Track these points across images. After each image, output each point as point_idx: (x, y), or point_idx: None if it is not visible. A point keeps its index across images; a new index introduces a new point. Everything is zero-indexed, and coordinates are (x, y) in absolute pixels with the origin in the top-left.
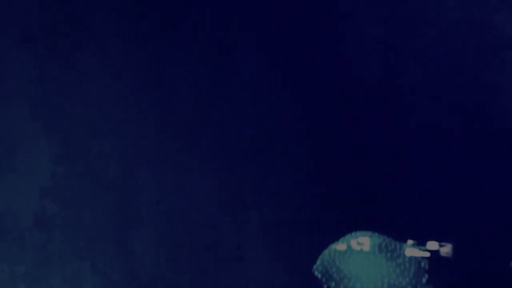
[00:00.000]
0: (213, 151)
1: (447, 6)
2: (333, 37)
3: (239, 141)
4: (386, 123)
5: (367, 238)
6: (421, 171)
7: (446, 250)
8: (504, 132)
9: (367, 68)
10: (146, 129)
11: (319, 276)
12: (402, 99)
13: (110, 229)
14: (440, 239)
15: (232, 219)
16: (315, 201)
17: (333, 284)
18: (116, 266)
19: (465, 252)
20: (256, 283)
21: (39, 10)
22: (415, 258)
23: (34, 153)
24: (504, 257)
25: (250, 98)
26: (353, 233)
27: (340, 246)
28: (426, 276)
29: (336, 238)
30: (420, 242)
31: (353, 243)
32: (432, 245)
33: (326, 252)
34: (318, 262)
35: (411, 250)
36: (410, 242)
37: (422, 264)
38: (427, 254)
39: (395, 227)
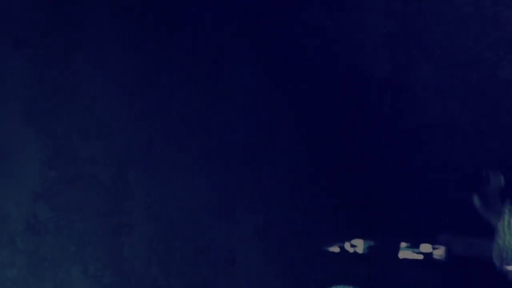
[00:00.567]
0: (205, 155)
1: (458, 2)
2: (340, 32)
3: (230, 145)
4: (391, 123)
5: None
6: (431, 170)
7: (440, 252)
8: None
9: (374, 65)
10: (138, 133)
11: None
12: (411, 96)
13: (102, 233)
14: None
15: (223, 223)
16: (307, 205)
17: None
18: (108, 270)
19: (465, 252)
20: (247, 287)
21: (33, 13)
22: None
23: (26, 157)
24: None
25: (241, 102)
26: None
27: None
28: None
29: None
30: (415, 244)
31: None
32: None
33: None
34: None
35: None
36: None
37: None
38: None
39: (391, 231)
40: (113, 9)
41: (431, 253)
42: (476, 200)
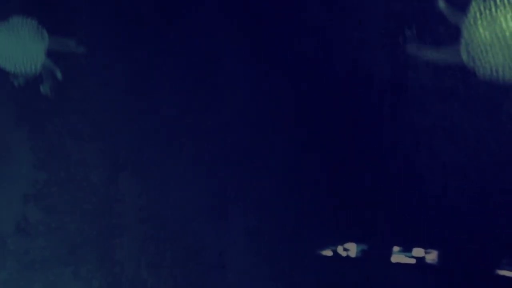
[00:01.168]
0: (196, 158)
1: (459, 1)
2: (339, 32)
3: (222, 148)
4: (390, 123)
5: None
6: (431, 172)
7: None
8: None
9: (373, 65)
10: (129, 136)
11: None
12: (411, 97)
13: (93, 236)
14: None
15: (214, 226)
16: (299, 207)
17: None
18: (98, 272)
19: (465, 253)
20: None
21: (25, 15)
22: None
23: (17, 159)
24: (505, 257)
25: (234, 104)
26: None
27: None
28: None
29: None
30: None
31: None
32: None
33: None
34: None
35: None
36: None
37: None
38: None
39: (386, 233)
40: (108, 13)
41: (427, 255)
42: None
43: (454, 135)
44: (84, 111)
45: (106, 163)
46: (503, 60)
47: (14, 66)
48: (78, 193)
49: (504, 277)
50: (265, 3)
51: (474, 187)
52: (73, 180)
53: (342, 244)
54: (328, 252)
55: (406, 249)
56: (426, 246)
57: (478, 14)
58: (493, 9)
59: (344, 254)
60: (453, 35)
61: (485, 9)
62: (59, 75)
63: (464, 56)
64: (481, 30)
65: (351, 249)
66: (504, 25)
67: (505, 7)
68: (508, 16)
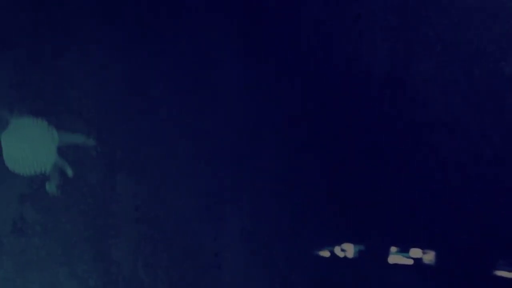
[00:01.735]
0: (192, 159)
1: None
2: (338, 25)
3: (218, 149)
4: (391, 120)
5: None
6: (432, 169)
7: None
8: None
9: (373, 59)
10: (126, 136)
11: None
12: (411, 92)
13: (89, 235)
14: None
15: (210, 226)
16: (294, 209)
17: None
18: (95, 272)
19: (465, 253)
20: None
21: (20, 16)
22: None
23: None
24: (505, 257)
25: (230, 104)
26: None
27: None
28: None
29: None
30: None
31: None
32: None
33: None
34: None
35: None
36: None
37: None
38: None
39: (383, 233)
40: (102, 10)
41: (425, 255)
42: None
43: (457, 131)
44: (79, 112)
45: (102, 164)
46: None
47: (26, 169)
48: (74, 193)
49: (504, 277)
50: (264, 2)
51: (474, 187)
52: (69, 181)
53: (338, 244)
54: (324, 253)
55: (404, 249)
56: (424, 246)
57: None
58: None
59: (341, 254)
60: None
61: None
62: (69, 172)
63: None
64: None
65: (348, 250)
66: None
67: None
68: None
